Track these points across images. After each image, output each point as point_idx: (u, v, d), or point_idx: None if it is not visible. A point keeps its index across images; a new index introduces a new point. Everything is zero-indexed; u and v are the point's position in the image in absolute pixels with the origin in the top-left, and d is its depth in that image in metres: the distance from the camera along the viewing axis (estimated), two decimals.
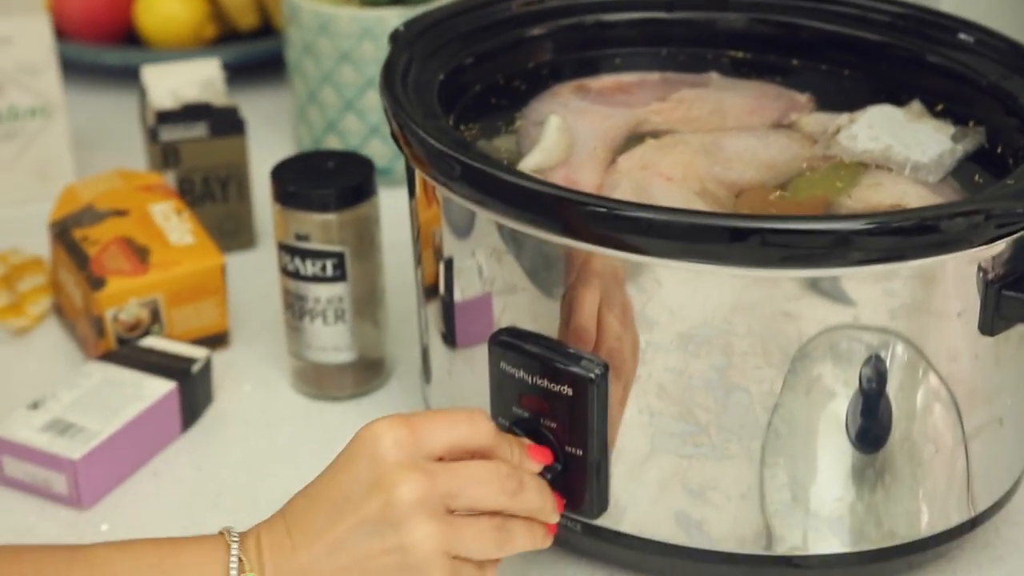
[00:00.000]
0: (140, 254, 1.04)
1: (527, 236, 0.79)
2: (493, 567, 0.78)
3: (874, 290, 0.75)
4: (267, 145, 1.28)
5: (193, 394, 0.99)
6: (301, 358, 1.01)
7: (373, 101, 1.22)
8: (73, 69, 1.39)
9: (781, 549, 0.80)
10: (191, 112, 1.14)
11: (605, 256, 0.76)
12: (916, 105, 0.90)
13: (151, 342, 1.01)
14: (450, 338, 0.88)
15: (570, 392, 0.79)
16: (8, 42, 1.20)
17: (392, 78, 0.87)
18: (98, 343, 1.02)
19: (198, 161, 1.15)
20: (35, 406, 0.95)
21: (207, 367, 1.00)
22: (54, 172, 1.23)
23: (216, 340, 1.06)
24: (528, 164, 0.86)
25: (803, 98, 0.92)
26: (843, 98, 0.92)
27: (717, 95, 0.92)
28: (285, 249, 0.98)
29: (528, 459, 0.80)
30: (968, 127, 0.87)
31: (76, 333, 1.07)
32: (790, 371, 0.76)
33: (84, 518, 0.92)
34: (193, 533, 0.89)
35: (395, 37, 0.92)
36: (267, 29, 1.44)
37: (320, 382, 1.02)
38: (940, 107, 0.90)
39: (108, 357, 1.00)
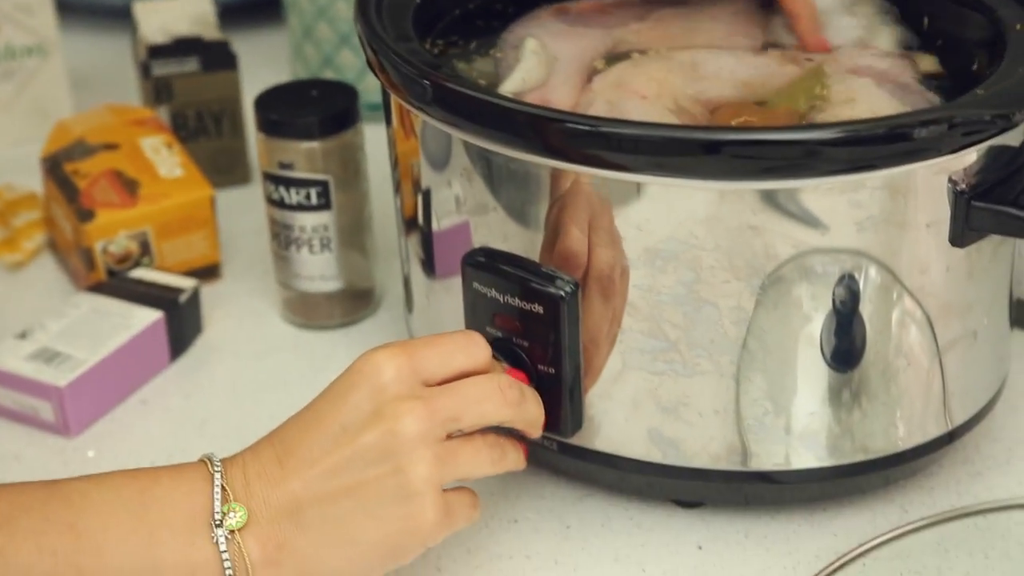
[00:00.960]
0: (130, 187, 1.04)
1: (497, 155, 0.78)
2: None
3: (841, 201, 0.74)
4: (264, 83, 1.28)
5: (181, 324, 1.00)
6: (289, 288, 1.02)
7: None
8: (70, 10, 1.39)
9: (756, 465, 0.80)
10: (182, 46, 1.15)
11: (573, 173, 0.76)
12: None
13: (140, 273, 1.02)
14: (429, 267, 0.88)
15: (541, 311, 0.79)
16: None
17: (367, 3, 0.87)
18: (88, 275, 1.03)
19: (191, 96, 1.15)
20: (23, 336, 0.96)
21: (195, 297, 1.01)
22: (51, 111, 1.24)
23: (207, 272, 1.06)
24: (507, 88, 0.86)
25: (782, 18, 0.92)
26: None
27: (696, 15, 0.92)
28: (269, 178, 0.99)
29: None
30: None
31: (68, 266, 1.08)
32: (758, 285, 0.76)
33: (71, 445, 0.93)
34: (180, 459, 0.90)
35: None
36: None
37: (308, 311, 1.02)
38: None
39: (97, 288, 1.01)
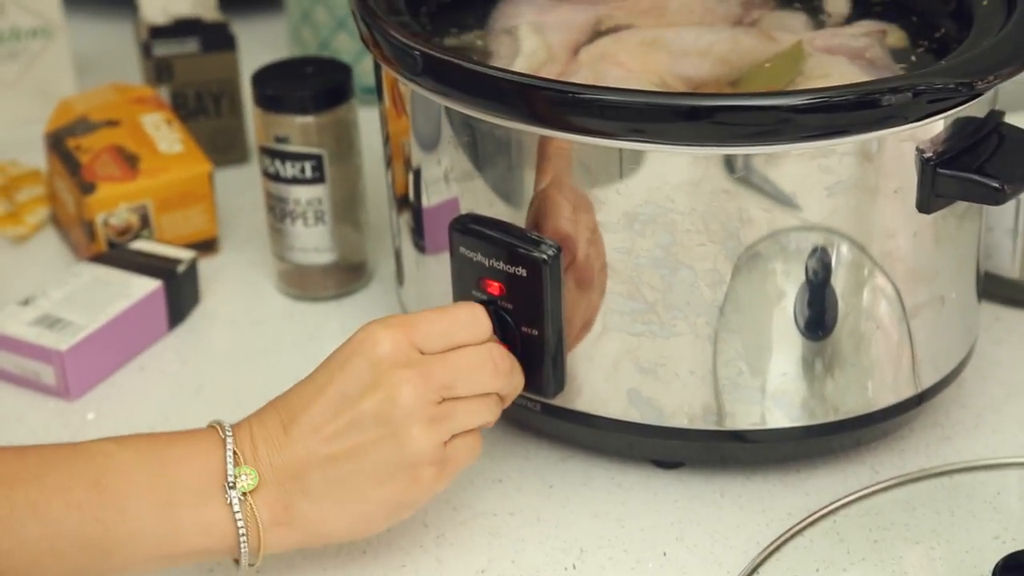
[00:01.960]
0: (130, 161, 1.07)
1: (482, 124, 0.81)
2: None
3: (812, 167, 0.77)
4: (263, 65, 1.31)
5: (179, 293, 1.03)
6: (284, 260, 1.05)
7: None
8: None
9: (731, 424, 0.83)
10: (182, 27, 1.18)
11: (556, 139, 0.79)
12: None
13: (139, 245, 1.05)
14: (419, 241, 0.91)
15: (525, 273, 0.82)
16: None
17: None
18: (90, 247, 1.06)
19: (191, 76, 1.19)
20: (25, 303, 0.99)
21: (193, 268, 1.04)
22: (55, 92, 1.27)
23: (205, 246, 1.09)
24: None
25: None
26: None
27: None
28: (266, 152, 1.02)
29: None
30: None
31: (70, 240, 1.11)
32: (731, 248, 0.79)
33: (71, 408, 0.96)
34: (177, 422, 0.93)
35: None
36: None
37: (303, 283, 1.05)
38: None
39: (97, 258, 1.04)
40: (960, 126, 0.79)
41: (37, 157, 1.18)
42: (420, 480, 0.78)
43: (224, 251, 1.11)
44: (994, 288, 1.00)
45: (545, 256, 0.81)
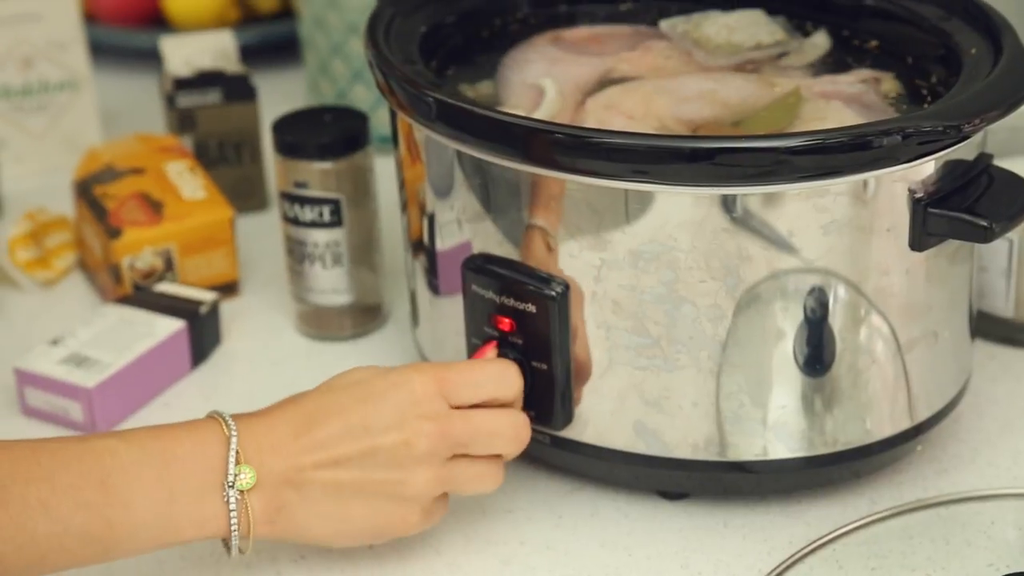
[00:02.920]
0: (155, 207, 1.11)
1: (494, 167, 0.85)
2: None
3: (807, 206, 0.81)
4: None
5: (202, 333, 1.06)
6: (303, 301, 1.09)
7: None
8: (104, 51, 1.47)
9: (733, 455, 0.87)
10: (205, 79, 1.22)
11: (564, 181, 0.83)
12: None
13: (164, 287, 1.09)
14: (433, 284, 0.94)
15: (534, 310, 0.86)
16: (38, 18, 1.28)
17: (376, 30, 0.94)
18: (116, 290, 1.10)
19: (213, 126, 1.23)
20: (55, 342, 1.03)
21: (215, 309, 1.08)
22: (82, 142, 1.31)
23: (227, 288, 1.13)
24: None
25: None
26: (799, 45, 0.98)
27: (682, 45, 0.99)
28: (286, 197, 1.06)
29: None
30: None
31: (96, 283, 1.15)
32: (731, 284, 0.82)
33: None
34: None
35: None
36: (286, 12, 1.51)
37: (321, 324, 1.09)
38: (873, 44, 0.97)
39: (123, 300, 1.08)
40: (950, 168, 0.83)
41: (65, 204, 1.23)
42: (407, 519, 0.84)
43: (244, 293, 1.15)
44: (989, 327, 1.03)
45: (554, 293, 0.85)
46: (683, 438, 0.86)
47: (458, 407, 0.84)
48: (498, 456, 0.86)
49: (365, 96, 1.30)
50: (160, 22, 1.52)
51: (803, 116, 0.88)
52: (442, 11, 1.00)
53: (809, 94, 0.92)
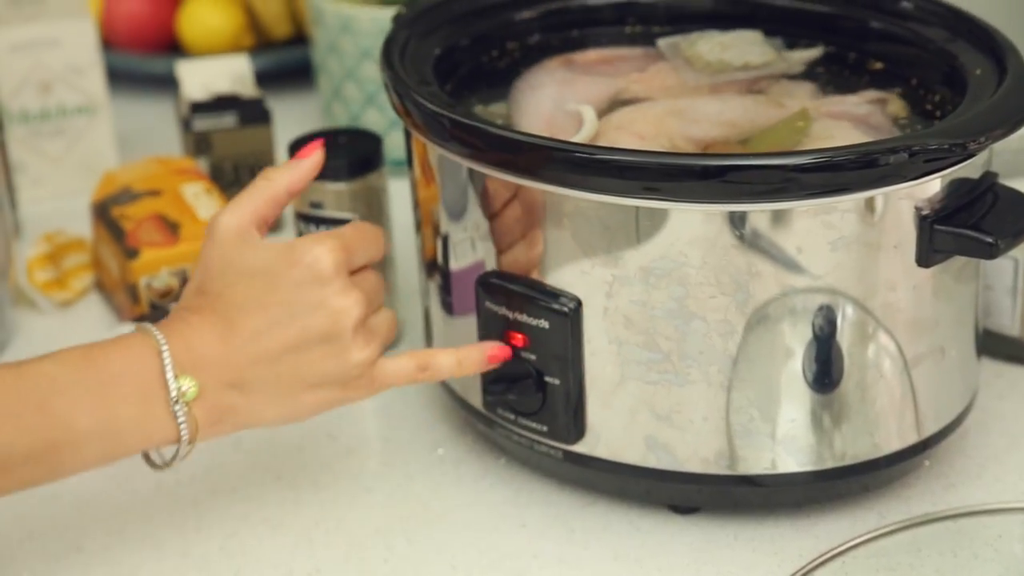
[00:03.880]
0: (172, 228, 1.13)
1: (507, 185, 0.87)
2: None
3: (816, 223, 0.82)
4: None
5: None
6: None
7: None
8: (120, 77, 1.50)
9: (743, 469, 0.88)
10: (221, 103, 1.24)
11: (577, 198, 0.84)
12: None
13: None
14: (447, 304, 0.95)
15: (547, 326, 0.87)
16: (56, 44, 1.30)
17: (391, 53, 0.96)
18: (133, 309, 1.12)
19: (228, 149, 1.25)
20: None
21: None
22: (99, 166, 1.33)
23: None
24: None
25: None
26: (804, 66, 1.00)
27: (674, 62, 1.01)
28: (301, 217, 1.07)
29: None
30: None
31: (114, 303, 1.17)
32: (741, 300, 0.84)
33: None
34: (217, 473, 0.98)
35: (397, 18, 1.01)
36: (300, 38, 1.53)
37: None
38: (879, 65, 0.99)
39: (140, 319, 1.09)
40: (956, 186, 0.85)
41: (82, 227, 1.24)
42: (357, 389, 0.85)
43: None
44: (995, 346, 1.04)
45: (566, 309, 0.86)
46: (694, 452, 0.88)
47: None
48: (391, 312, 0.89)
49: (378, 120, 1.32)
50: (175, 48, 1.54)
51: (811, 136, 0.90)
52: (456, 34, 1.01)
53: (817, 114, 0.93)
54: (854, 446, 0.88)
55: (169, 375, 0.82)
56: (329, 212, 1.06)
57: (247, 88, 1.26)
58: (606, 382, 0.88)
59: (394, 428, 1.03)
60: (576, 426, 0.89)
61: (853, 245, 0.83)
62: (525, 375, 0.89)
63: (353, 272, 0.86)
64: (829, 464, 0.88)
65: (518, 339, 0.89)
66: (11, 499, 0.83)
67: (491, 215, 0.89)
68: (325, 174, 1.05)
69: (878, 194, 0.82)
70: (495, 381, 0.91)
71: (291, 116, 1.40)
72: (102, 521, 0.94)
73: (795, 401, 0.86)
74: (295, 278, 0.84)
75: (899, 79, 0.97)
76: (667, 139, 0.91)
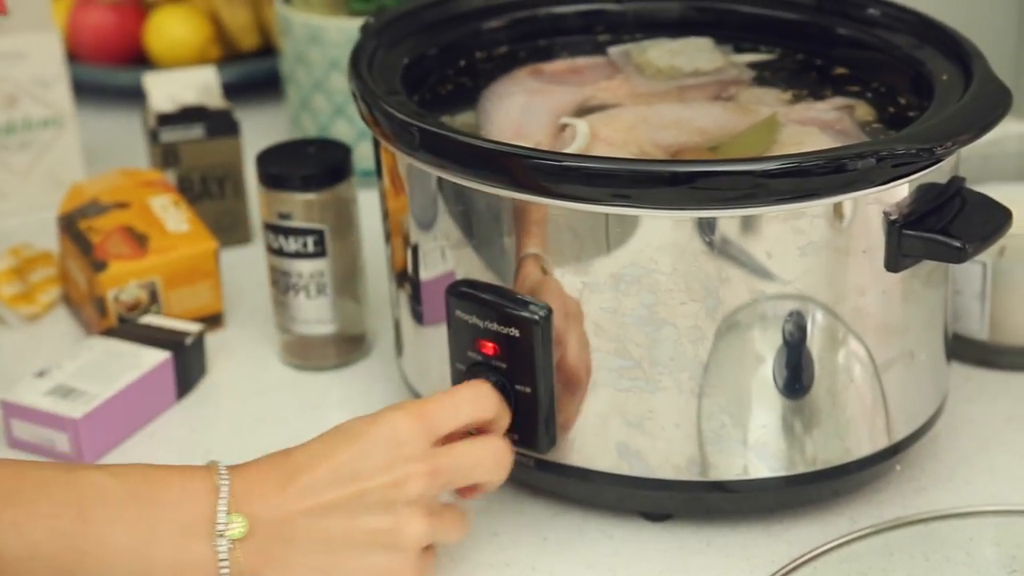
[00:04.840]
0: (140, 240, 1.13)
1: (475, 193, 0.87)
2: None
3: (784, 229, 0.82)
4: None
5: (187, 364, 1.07)
6: (287, 331, 1.10)
7: None
8: (86, 89, 1.49)
9: (715, 475, 0.88)
10: (189, 114, 1.24)
11: (544, 206, 0.84)
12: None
13: (149, 319, 1.10)
14: (417, 314, 0.95)
15: (517, 334, 0.87)
16: (22, 57, 1.29)
17: (359, 63, 0.96)
18: (101, 322, 1.11)
19: (196, 161, 1.24)
20: (41, 374, 1.04)
21: (200, 340, 1.09)
22: (65, 179, 1.32)
23: (211, 320, 1.14)
24: None
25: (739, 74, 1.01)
26: (773, 73, 1.00)
27: (625, 69, 1.01)
28: (270, 228, 1.07)
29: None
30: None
31: (82, 317, 1.16)
32: (711, 306, 0.84)
33: None
34: None
35: (365, 28, 1.01)
36: (268, 49, 1.53)
37: (305, 354, 1.10)
38: (847, 72, 1.00)
39: (109, 332, 1.08)
40: (924, 191, 0.85)
41: (48, 241, 1.24)
42: (403, 566, 0.83)
43: (229, 325, 1.16)
44: (965, 350, 1.05)
45: (536, 317, 0.86)
46: (665, 459, 0.88)
47: (442, 439, 0.84)
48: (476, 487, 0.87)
49: (347, 131, 1.32)
50: (142, 60, 1.53)
51: (780, 142, 0.90)
52: (424, 44, 1.01)
53: (786, 121, 0.93)
54: (825, 451, 0.88)
55: (221, 508, 0.79)
56: (298, 223, 1.06)
57: (215, 100, 1.26)
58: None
59: None
60: (548, 435, 0.89)
61: (822, 250, 0.83)
62: (496, 384, 0.89)
63: (453, 438, 0.85)
64: (800, 469, 0.88)
65: (488, 347, 0.88)
66: None
67: (460, 224, 0.89)
68: (293, 184, 1.05)
69: (847, 199, 0.82)
70: None
71: (259, 127, 1.40)
72: None
73: (766, 407, 0.86)
74: (368, 437, 0.82)
75: (867, 85, 0.97)
76: (636, 146, 0.92)
